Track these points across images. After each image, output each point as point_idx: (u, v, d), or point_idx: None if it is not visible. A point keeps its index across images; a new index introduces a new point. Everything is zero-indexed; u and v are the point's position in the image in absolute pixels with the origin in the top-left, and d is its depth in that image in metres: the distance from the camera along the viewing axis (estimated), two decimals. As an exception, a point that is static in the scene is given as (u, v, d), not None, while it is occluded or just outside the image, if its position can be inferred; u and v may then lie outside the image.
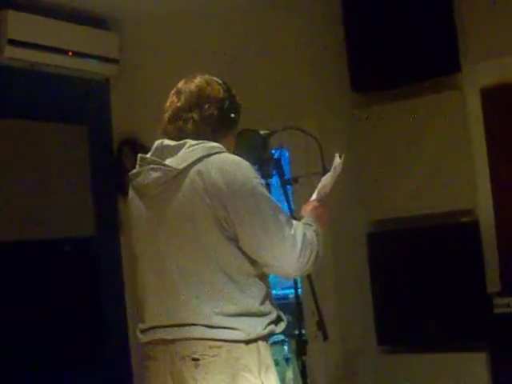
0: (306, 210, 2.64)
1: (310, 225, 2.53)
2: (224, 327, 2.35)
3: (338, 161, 2.74)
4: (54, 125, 4.37)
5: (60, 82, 4.40)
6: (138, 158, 2.53)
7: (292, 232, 2.41)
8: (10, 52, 4.06)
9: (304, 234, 2.43)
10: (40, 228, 4.22)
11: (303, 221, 2.55)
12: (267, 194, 2.44)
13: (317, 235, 2.50)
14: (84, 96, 4.49)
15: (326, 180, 2.73)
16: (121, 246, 4.61)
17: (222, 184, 2.36)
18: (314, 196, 2.72)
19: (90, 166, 4.50)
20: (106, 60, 4.43)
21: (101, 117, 4.62)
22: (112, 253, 4.60)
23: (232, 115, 2.56)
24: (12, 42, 4.04)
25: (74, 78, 4.43)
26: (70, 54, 4.28)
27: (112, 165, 4.65)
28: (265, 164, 2.79)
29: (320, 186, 2.74)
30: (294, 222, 2.48)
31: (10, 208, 4.10)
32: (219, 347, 2.34)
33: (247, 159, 2.45)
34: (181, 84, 2.57)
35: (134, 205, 2.57)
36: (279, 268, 2.43)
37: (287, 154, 5.03)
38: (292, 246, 2.39)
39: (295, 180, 3.03)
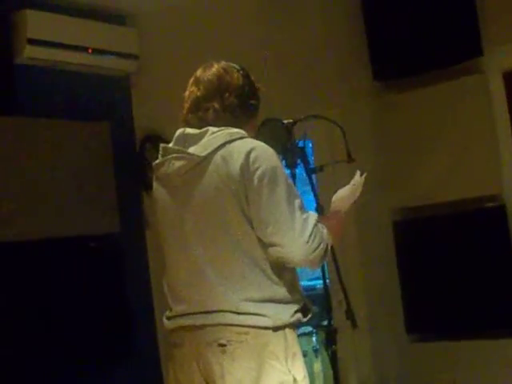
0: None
1: (322, 224, 2.48)
2: (251, 313, 2.35)
3: (357, 178, 2.70)
4: (76, 122, 4.39)
5: (81, 79, 4.42)
6: (161, 149, 2.54)
7: (304, 216, 2.38)
8: (30, 52, 4.08)
9: (315, 224, 2.40)
10: (65, 225, 4.25)
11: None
12: (287, 178, 2.43)
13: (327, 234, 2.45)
14: (105, 92, 4.51)
15: (344, 192, 2.71)
16: (146, 241, 4.63)
17: (245, 166, 2.35)
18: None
19: (114, 163, 4.51)
20: (126, 56, 4.45)
21: (122, 113, 4.64)
22: (137, 248, 4.62)
23: (252, 101, 2.55)
24: (32, 42, 4.07)
25: (95, 75, 4.46)
26: (90, 51, 4.30)
27: (135, 160, 4.67)
28: (289, 153, 2.78)
29: (334, 197, 2.72)
30: (310, 212, 2.45)
31: (34, 206, 4.12)
32: (246, 333, 2.34)
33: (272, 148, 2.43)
34: (199, 72, 2.57)
35: (159, 195, 2.56)
36: (285, 249, 2.37)
37: (311, 144, 5.01)
38: (301, 229, 2.35)
39: (320, 168, 3.01)
